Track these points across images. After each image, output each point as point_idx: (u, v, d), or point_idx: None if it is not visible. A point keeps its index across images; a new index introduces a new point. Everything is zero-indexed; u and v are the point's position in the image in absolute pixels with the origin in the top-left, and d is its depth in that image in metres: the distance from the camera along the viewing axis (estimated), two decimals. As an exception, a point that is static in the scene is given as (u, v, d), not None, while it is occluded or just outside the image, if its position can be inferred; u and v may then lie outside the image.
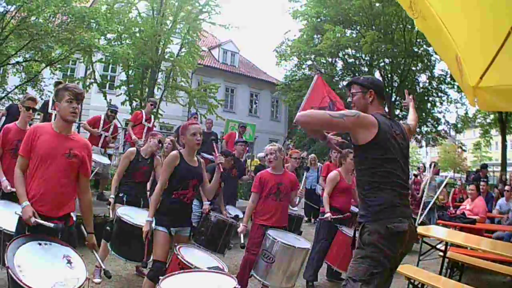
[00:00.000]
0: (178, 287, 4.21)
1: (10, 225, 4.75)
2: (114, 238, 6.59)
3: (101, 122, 11.17)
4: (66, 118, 4.41)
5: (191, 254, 5.32)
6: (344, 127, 3.96)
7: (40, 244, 4.07)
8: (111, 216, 6.99)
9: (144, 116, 11.90)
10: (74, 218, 4.65)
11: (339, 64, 35.55)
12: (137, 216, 6.52)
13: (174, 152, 5.57)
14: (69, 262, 4.01)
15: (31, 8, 16.70)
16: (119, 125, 13.31)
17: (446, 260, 8.36)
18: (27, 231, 4.21)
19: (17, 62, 20.43)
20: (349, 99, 4.39)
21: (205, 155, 12.58)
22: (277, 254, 6.13)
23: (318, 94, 13.53)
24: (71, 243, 4.34)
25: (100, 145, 11.04)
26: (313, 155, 16.62)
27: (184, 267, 4.82)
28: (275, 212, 6.70)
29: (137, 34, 22.21)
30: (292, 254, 6.19)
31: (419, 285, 7.05)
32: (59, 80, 10.79)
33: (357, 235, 4.09)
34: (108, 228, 6.84)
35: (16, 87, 21.08)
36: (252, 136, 21.58)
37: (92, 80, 23.11)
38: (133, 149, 7.80)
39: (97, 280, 6.87)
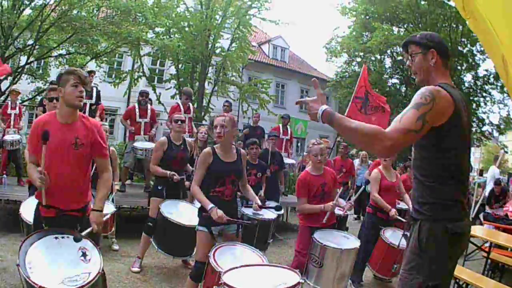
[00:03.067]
0: (241, 281, 3.94)
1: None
2: (160, 236, 6.74)
3: (136, 110, 10.84)
4: (73, 103, 4.17)
5: (229, 254, 4.94)
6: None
7: (56, 237, 3.96)
8: None
9: (182, 109, 11.27)
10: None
11: (388, 61, 35.21)
12: (181, 212, 6.65)
13: (207, 149, 5.36)
14: (84, 254, 3.89)
15: (72, 1, 16.65)
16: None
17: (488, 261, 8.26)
18: (45, 225, 4.12)
19: (60, 55, 20.17)
20: (408, 63, 3.57)
21: (249, 150, 12.10)
22: (325, 258, 5.80)
23: (360, 84, 13.67)
24: (91, 235, 4.17)
25: (142, 133, 10.73)
26: (364, 152, 15.96)
27: (215, 272, 4.50)
28: (321, 212, 6.16)
29: (186, 29, 21.97)
30: (340, 256, 5.80)
31: (463, 285, 6.84)
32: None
33: (411, 234, 3.44)
34: (150, 223, 6.95)
35: None
36: (304, 132, 21.07)
37: (141, 74, 22.90)
38: (164, 138, 7.43)
39: (135, 269, 7.10)
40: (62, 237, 3.98)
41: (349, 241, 6.19)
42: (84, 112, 9.05)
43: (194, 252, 5.76)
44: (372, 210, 7.59)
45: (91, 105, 10.29)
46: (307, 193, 6.24)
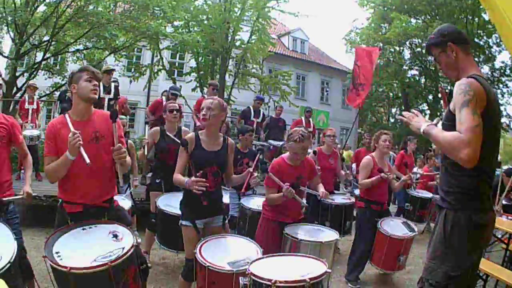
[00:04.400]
0: (267, 270, 3.89)
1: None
2: (160, 232, 6.52)
3: (164, 104, 10.41)
4: (88, 96, 4.15)
5: (218, 247, 4.69)
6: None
7: (84, 229, 3.92)
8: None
9: None
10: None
11: (407, 53, 35.26)
12: (178, 203, 5.88)
13: (190, 134, 5.07)
14: (115, 236, 3.85)
15: None
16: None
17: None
18: (70, 221, 4.03)
19: (77, 50, 20.09)
20: (438, 67, 3.63)
21: (273, 142, 11.85)
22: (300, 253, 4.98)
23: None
24: (120, 220, 4.20)
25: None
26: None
27: (203, 268, 4.28)
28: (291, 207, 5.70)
29: (205, 22, 21.58)
30: (313, 250, 5.15)
31: (484, 276, 6.63)
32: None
33: (437, 222, 3.48)
34: (153, 220, 6.79)
35: None
36: (326, 123, 20.98)
37: (160, 67, 22.87)
38: (156, 128, 7.19)
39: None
40: (90, 227, 3.94)
41: (324, 234, 5.69)
42: (103, 107, 9.07)
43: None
44: (365, 204, 7.03)
45: (109, 100, 10.15)
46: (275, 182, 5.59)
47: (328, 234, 5.63)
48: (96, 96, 4.20)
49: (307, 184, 5.93)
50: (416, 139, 11.13)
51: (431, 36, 3.63)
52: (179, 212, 5.60)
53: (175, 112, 7.08)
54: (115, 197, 4.33)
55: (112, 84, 10.43)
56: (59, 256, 3.46)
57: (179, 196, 6.11)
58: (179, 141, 6.18)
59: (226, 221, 5.23)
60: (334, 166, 8.57)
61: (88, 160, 3.78)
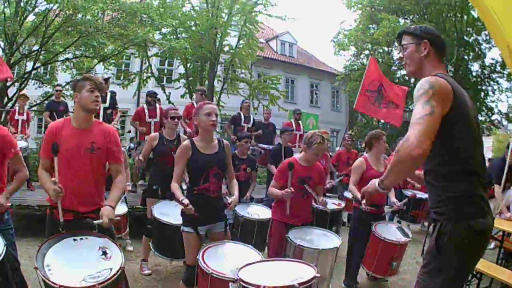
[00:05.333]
0: (256, 276, 3.85)
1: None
2: (156, 240, 6.47)
3: (145, 111, 10.82)
4: (89, 107, 4.21)
5: (220, 254, 4.68)
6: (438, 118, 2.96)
7: (75, 239, 3.91)
8: None
9: None
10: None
11: (395, 53, 34.53)
12: (175, 212, 6.04)
13: (185, 142, 5.04)
14: (104, 253, 3.82)
15: (76, 6, 16.15)
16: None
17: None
18: (62, 229, 3.97)
19: (67, 59, 19.93)
20: (399, 55, 3.48)
21: (264, 147, 11.88)
22: (300, 259, 4.96)
23: (369, 77, 13.14)
24: (109, 234, 4.13)
25: (152, 132, 10.00)
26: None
27: (206, 274, 4.27)
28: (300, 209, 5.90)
29: (193, 28, 21.79)
30: (316, 257, 5.26)
31: (478, 275, 6.65)
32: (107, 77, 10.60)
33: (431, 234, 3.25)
34: (149, 226, 6.79)
35: (67, 83, 19.73)
36: (315, 126, 21.00)
37: (149, 74, 22.86)
38: (155, 134, 7.26)
39: (146, 272, 7.05)
40: (81, 239, 3.94)
41: (329, 239, 5.79)
42: (98, 116, 9.06)
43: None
44: (360, 205, 6.64)
45: (105, 109, 10.17)
46: (283, 181, 5.84)
47: (331, 240, 5.70)
48: (97, 108, 4.27)
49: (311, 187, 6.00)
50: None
51: (410, 26, 3.57)
52: (174, 222, 5.91)
53: (176, 120, 7.08)
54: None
55: (108, 93, 10.47)
56: (49, 270, 3.49)
57: (175, 204, 6.28)
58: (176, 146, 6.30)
59: (228, 227, 5.25)
60: (325, 166, 8.67)
61: (62, 219, 3.93)
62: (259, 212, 7.43)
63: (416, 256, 8.31)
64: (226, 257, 4.64)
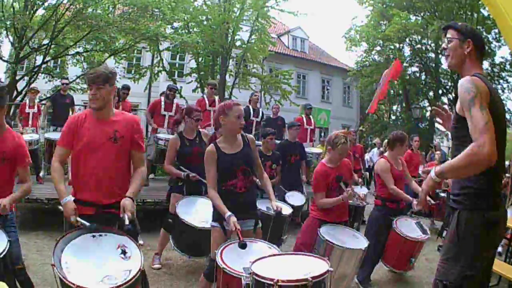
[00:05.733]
0: (270, 270, 3.80)
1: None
2: (177, 236, 6.56)
3: (162, 104, 10.78)
4: (90, 105, 4.19)
5: (239, 251, 4.54)
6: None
7: (94, 236, 3.81)
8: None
9: (207, 102, 11.13)
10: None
11: (407, 50, 34.84)
12: (198, 211, 6.41)
13: (209, 147, 4.91)
14: (123, 252, 3.73)
15: (86, 0, 16.41)
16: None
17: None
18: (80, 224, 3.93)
19: (77, 53, 19.87)
20: (443, 45, 3.69)
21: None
22: (326, 255, 5.19)
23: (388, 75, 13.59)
24: (129, 232, 3.91)
25: (165, 126, 10.63)
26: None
27: (219, 269, 4.30)
28: (339, 205, 5.95)
29: (205, 22, 21.71)
30: (341, 255, 5.43)
31: None
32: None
33: (449, 223, 3.50)
34: (170, 220, 6.71)
35: (78, 77, 20.43)
36: (327, 121, 20.88)
37: (161, 68, 22.88)
38: (174, 136, 7.11)
39: (156, 266, 6.98)
40: (100, 235, 3.86)
41: (357, 240, 5.85)
42: None
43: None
44: (381, 202, 6.99)
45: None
46: (325, 186, 5.93)
47: (359, 242, 5.76)
48: (96, 105, 4.13)
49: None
50: (417, 136, 11.14)
51: (457, 22, 3.70)
52: (197, 224, 6.07)
53: (199, 122, 7.07)
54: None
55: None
56: (67, 268, 3.44)
57: (200, 201, 6.69)
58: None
59: (259, 226, 5.18)
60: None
61: (87, 224, 3.84)
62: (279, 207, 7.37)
63: (426, 253, 8.19)
64: (245, 254, 4.54)
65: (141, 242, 7.62)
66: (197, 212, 6.42)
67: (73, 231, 3.84)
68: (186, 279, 6.63)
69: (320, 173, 5.96)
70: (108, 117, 4.23)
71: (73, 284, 3.19)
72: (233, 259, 4.39)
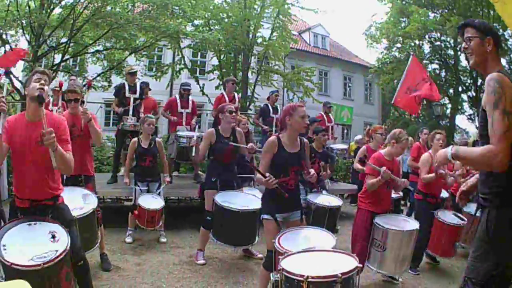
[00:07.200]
0: (299, 266, 3.89)
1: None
2: (218, 228, 6.76)
3: (178, 101, 10.85)
4: (33, 94, 4.17)
5: (296, 238, 5.00)
6: None
7: (29, 224, 4.23)
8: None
9: (227, 99, 11.10)
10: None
11: (426, 47, 34.61)
12: (236, 201, 6.70)
13: (272, 138, 5.30)
14: (53, 237, 4.12)
15: None
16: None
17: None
18: (20, 214, 4.37)
19: (97, 51, 19.88)
20: (463, 45, 3.64)
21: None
22: (388, 241, 6.01)
23: (414, 75, 13.01)
24: (60, 219, 4.40)
25: (184, 123, 10.70)
26: (410, 138, 15.60)
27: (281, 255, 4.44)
28: (383, 197, 6.41)
29: (226, 20, 21.23)
30: (402, 238, 6.01)
31: None
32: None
33: (480, 221, 3.46)
34: (208, 218, 6.91)
35: (99, 75, 20.52)
36: (350, 119, 20.74)
37: (182, 66, 22.42)
38: (211, 130, 7.29)
39: (201, 261, 7.14)
40: (35, 223, 4.25)
41: (409, 223, 6.31)
42: (129, 106, 9.84)
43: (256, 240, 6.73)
44: (422, 196, 7.52)
45: (135, 99, 10.05)
46: (377, 173, 6.14)
47: (411, 224, 6.30)
48: (43, 95, 4.16)
49: None
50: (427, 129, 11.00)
51: (473, 20, 3.65)
52: (238, 207, 6.49)
53: (233, 114, 7.24)
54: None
55: (138, 83, 10.31)
56: (5, 249, 3.84)
57: (235, 194, 7.04)
58: (235, 144, 7.08)
59: (304, 216, 5.52)
60: None
61: (55, 164, 4.05)
62: (330, 200, 8.12)
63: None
64: (302, 239, 4.93)
65: (164, 240, 7.72)
66: (236, 200, 6.71)
67: (14, 220, 4.30)
68: (209, 276, 6.65)
69: (377, 159, 6.34)
70: (39, 117, 4.18)
71: (8, 262, 3.68)
72: (291, 244, 4.71)
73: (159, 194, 8.28)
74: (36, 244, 3.98)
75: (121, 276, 6.37)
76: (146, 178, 8.32)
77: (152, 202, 7.87)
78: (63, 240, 4.09)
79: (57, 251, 3.92)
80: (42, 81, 4.22)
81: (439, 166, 3.70)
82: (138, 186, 8.23)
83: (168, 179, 8.71)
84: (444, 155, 3.46)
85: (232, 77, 12.72)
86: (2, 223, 6.59)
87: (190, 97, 11.11)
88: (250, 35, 21.62)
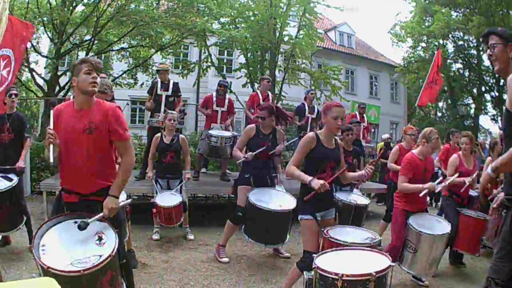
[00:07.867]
0: (333, 264, 3.96)
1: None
2: (250, 225, 6.76)
3: (214, 99, 10.73)
4: (87, 89, 4.05)
5: (341, 232, 5.17)
6: None
7: (76, 222, 3.91)
8: None
9: (260, 97, 11.04)
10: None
11: (450, 46, 34.22)
12: (269, 199, 6.72)
13: (311, 133, 5.23)
14: (99, 239, 3.86)
15: None
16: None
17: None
18: (66, 210, 4.13)
19: (122, 48, 20.04)
20: (488, 52, 3.81)
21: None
22: (420, 244, 6.01)
23: (432, 70, 13.62)
24: (110, 218, 4.08)
25: (219, 121, 10.63)
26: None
27: (338, 246, 4.65)
28: (418, 196, 6.25)
29: (252, 18, 20.86)
30: (434, 242, 6.03)
31: None
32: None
33: (504, 221, 3.51)
34: (240, 213, 6.88)
35: (124, 72, 20.61)
36: (377, 118, 20.63)
37: (209, 64, 22.22)
38: (252, 125, 7.30)
39: (224, 259, 7.07)
40: (82, 222, 3.89)
41: (441, 225, 6.36)
42: (161, 104, 9.72)
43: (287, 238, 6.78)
44: (449, 193, 7.60)
45: (167, 96, 9.95)
46: (411, 174, 6.24)
47: (443, 227, 6.32)
48: (96, 89, 4.11)
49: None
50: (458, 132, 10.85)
51: (496, 28, 3.92)
52: (273, 208, 6.47)
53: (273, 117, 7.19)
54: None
55: (171, 81, 10.19)
56: (43, 250, 3.61)
57: (269, 191, 7.04)
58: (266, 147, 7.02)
59: (337, 214, 5.62)
60: None
61: (51, 160, 3.86)
62: (357, 198, 8.00)
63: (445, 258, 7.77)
64: (351, 234, 5.20)
65: (191, 237, 7.63)
66: (270, 199, 6.71)
67: (56, 217, 4.02)
68: (237, 274, 6.62)
69: (410, 160, 6.37)
70: (88, 107, 4.17)
71: (45, 265, 3.40)
72: (343, 236, 4.96)
73: (180, 191, 8.20)
74: (80, 246, 3.75)
75: (148, 273, 6.36)
76: (166, 174, 8.32)
77: (168, 199, 7.81)
78: (110, 244, 3.81)
79: (101, 256, 3.64)
80: (94, 74, 4.07)
81: (482, 189, 3.63)
82: (158, 183, 8.27)
83: (188, 175, 8.56)
84: (486, 176, 3.50)
85: (267, 76, 12.63)
86: (25, 219, 6.82)
87: (227, 96, 11.03)
88: (277, 33, 21.36)
